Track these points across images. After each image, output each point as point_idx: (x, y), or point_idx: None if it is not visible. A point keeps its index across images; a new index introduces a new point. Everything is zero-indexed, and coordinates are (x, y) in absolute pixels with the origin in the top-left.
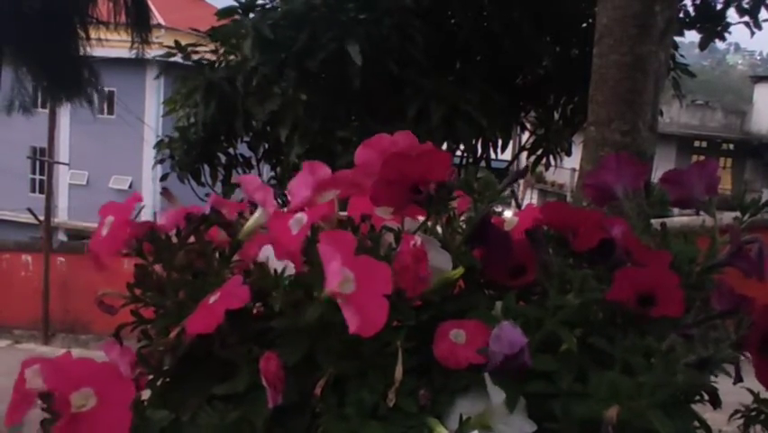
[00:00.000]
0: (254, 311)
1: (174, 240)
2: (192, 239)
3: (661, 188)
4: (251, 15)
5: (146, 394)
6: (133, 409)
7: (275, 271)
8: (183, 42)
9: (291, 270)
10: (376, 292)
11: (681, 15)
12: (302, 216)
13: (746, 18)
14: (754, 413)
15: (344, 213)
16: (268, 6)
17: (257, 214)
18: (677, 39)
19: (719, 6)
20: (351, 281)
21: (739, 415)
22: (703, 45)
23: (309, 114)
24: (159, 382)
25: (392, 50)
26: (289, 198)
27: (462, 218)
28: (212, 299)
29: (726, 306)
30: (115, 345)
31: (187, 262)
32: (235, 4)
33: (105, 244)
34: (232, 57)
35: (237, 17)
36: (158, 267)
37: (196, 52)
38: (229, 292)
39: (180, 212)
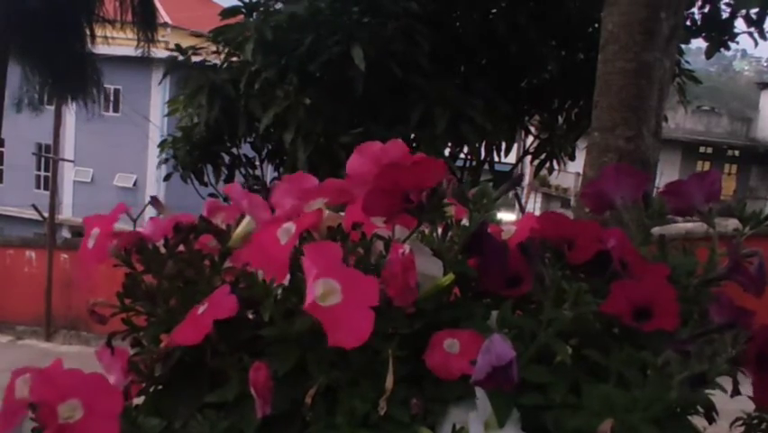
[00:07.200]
0: (249, 317)
1: (162, 250)
2: (182, 247)
3: (660, 199)
4: (255, 15)
5: (138, 401)
6: (125, 417)
7: (264, 280)
8: (189, 42)
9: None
10: (361, 304)
11: (688, 23)
12: (290, 226)
13: (751, 28)
14: (755, 421)
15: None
16: (271, 9)
17: (245, 221)
18: (683, 45)
19: (726, 15)
20: (336, 292)
21: (740, 423)
22: (709, 54)
23: (312, 117)
24: (151, 390)
25: (396, 54)
26: (274, 207)
27: (461, 225)
28: (200, 309)
29: (724, 319)
30: (108, 350)
31: (176, 271)
32: (239, 3)
33: (91, 255)
34: (235, 58)
35: (242, 17)
36: (148, 276)
37: (199, 54)
38: (217, 302)
39: (170, 221)
